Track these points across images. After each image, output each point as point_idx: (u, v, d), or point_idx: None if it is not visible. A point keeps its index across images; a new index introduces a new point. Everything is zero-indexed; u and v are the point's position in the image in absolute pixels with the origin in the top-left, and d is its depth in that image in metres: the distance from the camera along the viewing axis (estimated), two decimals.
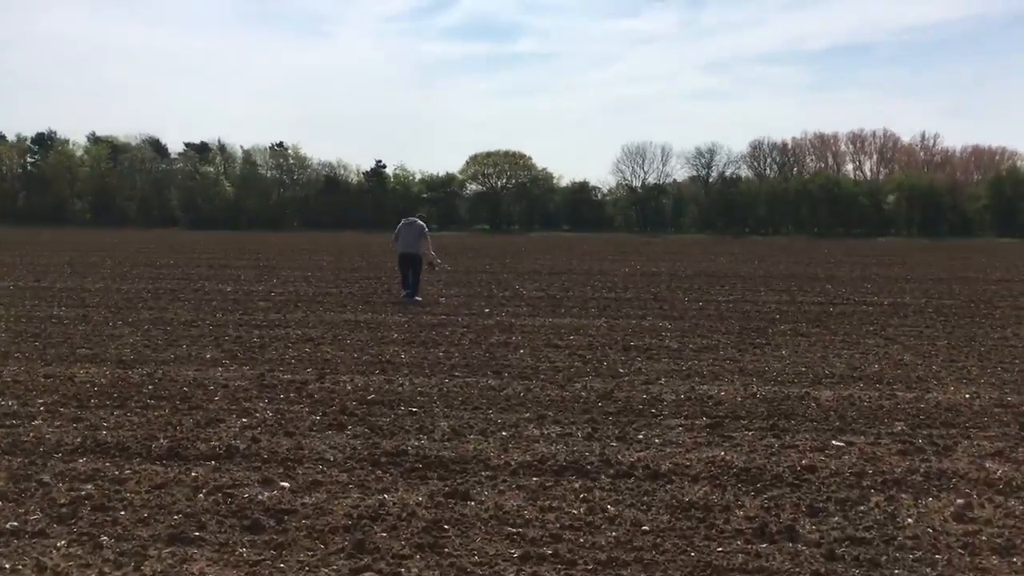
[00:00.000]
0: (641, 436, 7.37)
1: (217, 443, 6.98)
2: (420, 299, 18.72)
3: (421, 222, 19.68)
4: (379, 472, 6.30)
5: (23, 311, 16.18)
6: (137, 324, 14.57)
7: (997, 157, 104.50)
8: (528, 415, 8.19)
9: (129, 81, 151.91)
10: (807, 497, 5.84)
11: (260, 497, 5.71)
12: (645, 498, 5.79)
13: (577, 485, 6.02)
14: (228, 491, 5.81)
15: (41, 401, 8.56)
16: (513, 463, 6.49)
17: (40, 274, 25.23)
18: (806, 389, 9.52)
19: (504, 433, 7.43)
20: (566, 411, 8.35)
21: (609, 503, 5.69)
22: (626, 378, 10.14)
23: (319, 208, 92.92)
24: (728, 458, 6.70)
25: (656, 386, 9.65)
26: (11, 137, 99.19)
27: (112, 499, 5.64)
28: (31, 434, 7.22)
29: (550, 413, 8.25)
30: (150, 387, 9.31)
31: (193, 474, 6.21)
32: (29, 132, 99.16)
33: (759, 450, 6.98)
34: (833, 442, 7.24)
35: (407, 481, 6.11)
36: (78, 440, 7.01)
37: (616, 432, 7.50)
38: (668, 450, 6.96)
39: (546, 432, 7.50)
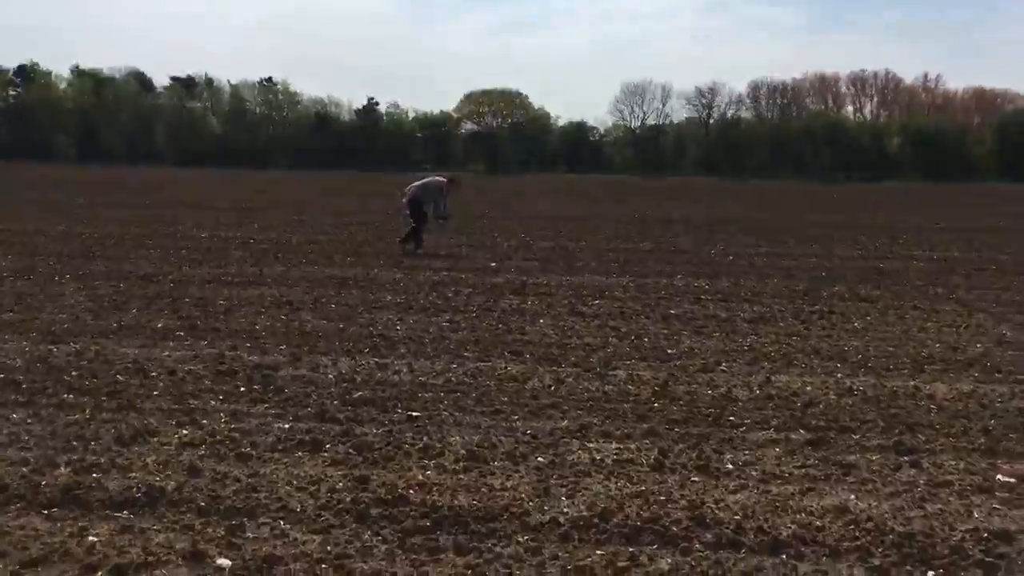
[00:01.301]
0: (729, 464, 5.34)
1: (137, 477, 4.93)
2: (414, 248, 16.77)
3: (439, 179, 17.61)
4: (366, 536, 4.27)
5: None
6: (87, 279, 12.46)
7: (999, 99, 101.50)
8: (567, 423, 6.16)
9: (113, 13, 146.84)
10: None
11: None
12: None
13: (665, 566, 4.01)
14: None
15: None
16: (563, 519, 4.46)
17: (1, 216, 22.97)
18: (911, 381, 7.49)
19: (540, 458, 5.40)
20: (616, 417, 6.32)
21: None
22: (677, 362, 8.11)
23: (309, 146, 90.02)
24: (866, 509, 4.69)
25: (719, 375, 7.61)
26: None
27: None
28: None
29: (595, 420, 6.21)
30: (74, 373, 7.23)
31: (90, 538, 4.17)
32: (9, 64, 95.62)
33: (901, 492, 4.97)
34: (999, 477, 5.23)
35: (409, 556, 4.08)
36: None
37: (693, 456, 5.48)
38: (773, 490, 4.94)
39: (598, 456, 5.47)
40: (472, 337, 9.04)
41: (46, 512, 4.46)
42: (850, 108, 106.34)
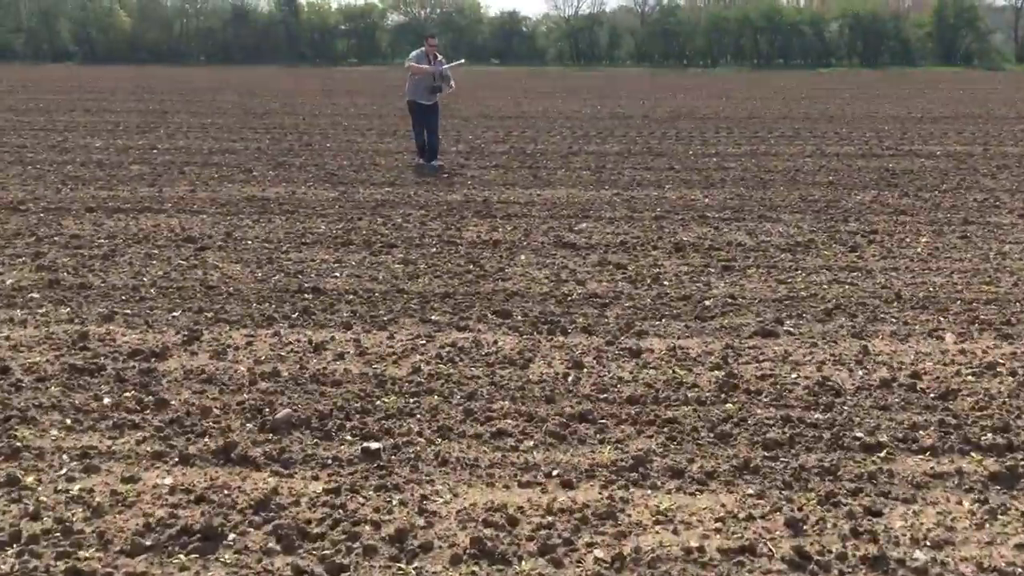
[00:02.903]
0: (918, 553, 3.21)
1: None
2: (442, 163, 13.31)
3: (446, 68, 13.44)
4: None
5: None
6: None
7: None
8: (610, 451, 3.99)
9: None
10: None
11: None
12: None
13: None
14: None
15: None
16: None
17: None
18: None
19: (597, 549, 3.21)
20: (681, 436, 4.15)
21: None
22: (723, 320, 5.96)
23: (226, 41, 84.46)
24: None
25: (793, 345, 5.47)
26: None
27: None
28: None
29: (653, 445, 4.05)
30: None
31: None
32: None
33: None
34: None
35: None
36: None
37: (844, 527, 3.36)
38: None
39: (686, 534, 3.31)
40: (438, 287, 6.75)
41: None
42: None
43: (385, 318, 5.99)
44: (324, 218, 9.50)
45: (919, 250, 8.01)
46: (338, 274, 7.16)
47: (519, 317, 6.01)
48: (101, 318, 5.94)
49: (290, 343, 5.44)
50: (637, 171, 13.23)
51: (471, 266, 7.42)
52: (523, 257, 7.76)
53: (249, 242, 8.32)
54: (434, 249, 8.06)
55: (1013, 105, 27.47)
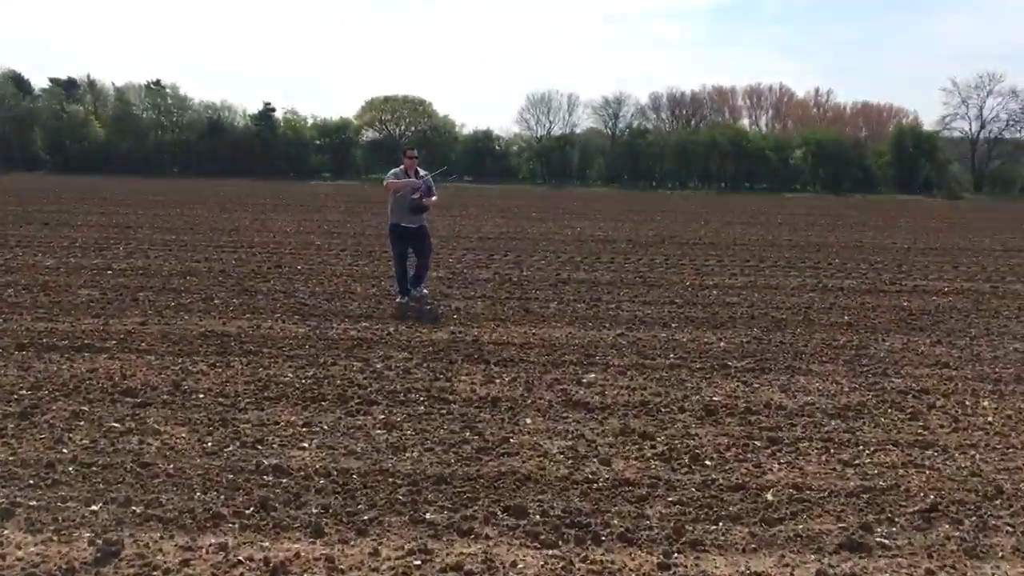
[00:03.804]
0: None
1: None
2: (427, 292, 12.22)
3: (429, 177, 12.28)
4: None
5: None
6: None
7: (884, 114, 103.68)
8: None
9: None
10: None
11: None
12: None
13: None
14: None
15: None
16: None
17: None
18: None
19: None
20: None
21: None
22: (795, 523, 4.71)
23: (202, 153, 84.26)
24: None
25: (902, 570, 4.23)
26: None
27: None
28: None
29: None
30: None
31: None
32: None
33: None
34: None
35: None
36: None
37: None
38: None
39: None
40: (431, 466, 5.45)
41: None
42: (746, 121, 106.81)
43: (366, 516, 4.67)
44: (292, 362, 8.23)
45: (989, 419, 6.88)
46: (306, 444, 5.86)
47: (537, 516, 4.72)
48: None
49: (240, 562, 4.10)
50: (636, 305, 12.16)
51: (468, 433, 6.16)
52: (529, 421, 6.51)
53: (201, 395, 7.00)
54: (422, 408, 6.79)
55: (991, 236, 27.17)
